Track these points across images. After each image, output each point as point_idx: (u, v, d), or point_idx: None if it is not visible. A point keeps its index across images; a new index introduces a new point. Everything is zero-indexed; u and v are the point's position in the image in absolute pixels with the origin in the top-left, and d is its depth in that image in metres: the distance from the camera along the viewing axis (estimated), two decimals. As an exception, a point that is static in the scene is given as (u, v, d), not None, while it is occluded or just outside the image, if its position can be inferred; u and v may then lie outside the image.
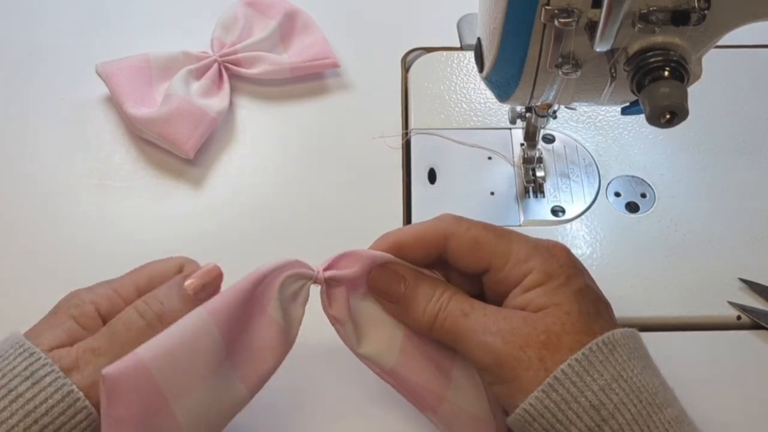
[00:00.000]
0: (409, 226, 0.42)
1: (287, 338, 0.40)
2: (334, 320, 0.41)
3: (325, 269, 0.41)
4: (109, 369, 0.34)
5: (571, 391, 0.35)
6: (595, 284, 0.41)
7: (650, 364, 0.38)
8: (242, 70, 0.61)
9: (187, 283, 0.40)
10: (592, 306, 0.38)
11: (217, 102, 0.59)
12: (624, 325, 0.48)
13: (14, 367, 0.35)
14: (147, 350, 0.35)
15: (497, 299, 0.40)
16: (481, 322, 0.38)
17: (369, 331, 0.42)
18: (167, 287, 0.40)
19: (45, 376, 0.35)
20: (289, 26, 0.64)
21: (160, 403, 0.35)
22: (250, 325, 0.39)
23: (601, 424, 0.35)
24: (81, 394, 0.35)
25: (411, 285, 0.40)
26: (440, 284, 0.41)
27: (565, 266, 0.39)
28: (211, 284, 0.41)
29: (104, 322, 0.39)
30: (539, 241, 0.41)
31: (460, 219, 0.41)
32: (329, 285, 0.41)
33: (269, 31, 0.62)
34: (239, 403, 0.39)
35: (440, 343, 0.41)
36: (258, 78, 0.61)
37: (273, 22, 0.63)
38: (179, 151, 0.56)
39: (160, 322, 0.38)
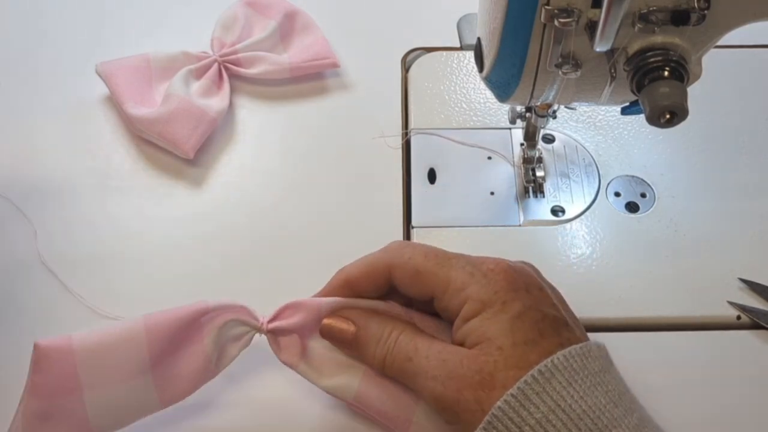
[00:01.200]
0: (358, 260, 0.43)
1: (212, 370, 0.42)
2: (287, 365, 0.43)
3: (270, 321, 0.42)
4: (42, 341, 0.38)
5: (509, 428, 0.35)
6: (548, 296, 0.39)
7: (600, 380, 0.36)
8: (242, 70, 0.61)
9: None
10: (531, 331, 0.37)
11: (217, 102, 0.59)
12: (624, 325, 0.48)
13: None
14: (80, 339, 0.39)
15: (451, 324, 0.40)
16: (422, 366, 0.38)
17: (327, 368, 0.42)
18: None
19: None
20: (288, 26, 0.64)
21: (73, 387, 0.39)
22: (183, 348, 0.41)
23: None
24: None
25: (360, 330, 0.41)
26: (389, 324, 0.41)
27: (501, 291, 0.38)
28: None
29: None
30: (479, 264, 0.40)
31: (403, 248, 0.41)
32: (277, 334, 0.43)
33: (269, 31, 0.62)
34: (149, 411, 0.41)
35: None
36: (258, 78, 0.61)
37: (273, 22, 0.63)
38: (179, 151, 0.56)
39: None
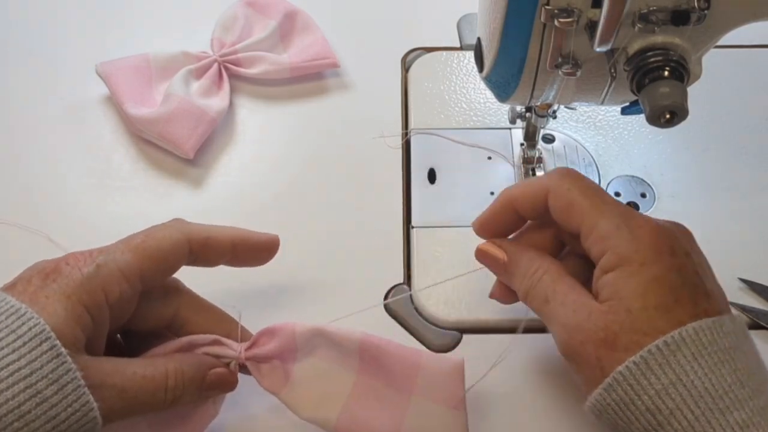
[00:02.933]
0: (517, 183, 0.44)
1: (210, 407, 0.42)
2: (270, 392, 0.42)
3: (247, 348, 0.42)
4: None
5: (628, 393, 0.35)
6: (692, 263, 0.38)
7: (730, 357, 0.35)
8: (242, 70, 0.61)
9: (206, 385, 0.40)
10: (665, 296, 0.36)
11: (217, 102, 0.59)
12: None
13: (41, 367, 0.33)
14: None
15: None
16: (556, 311, 0.39)
17: (308, 397, 0.42)
18: (194, 374, 0.40)
19: (69, 383, 0.34)
20: (288, 26, 0.64)
21: None
22: None
23: (657, 427, 0.35)
24: (97, 413, 0.35)
25: (511, 261, 0.43)
26: (536, 261, 0.41)
27: (642, 250, 0.37)
28: (225, 391, 0.42)
29: (109, 309, 0.37)
30: (630, 218, 0.38)
31: (565, 176, 0.41)
32: (258, 361, 0.42)
33: (269, 30, 0.62)
34: None
35: (393, 389, 0.41)
36: (258, 78, 0.61)
37: (273, 22, 0.62)
38: (179, 151, 0.56)
39: (170, 405, 0.38)
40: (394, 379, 0.41)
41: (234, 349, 0.42)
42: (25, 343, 0.33)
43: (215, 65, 0.60)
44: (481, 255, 0.44)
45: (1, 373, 0.32)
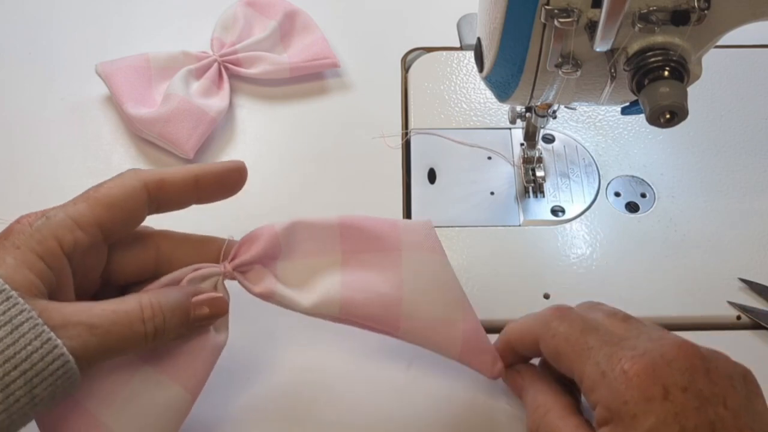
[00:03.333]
0: (521, 319, 0.42)
1: (215, 337, 0.41)
2: (264, 297, 0.41)
3: (231, 260, 0.41)
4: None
5: None
6: (692, 398, 0.33)
7: None
8: (242, 70, 0.61)
9: (194, 314, 0.39)
10: None
11: (217, 102, 0.59)
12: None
13: None
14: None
15: None
16: None
17: (303, 281, 0.42)
18: (174, 304, 0.38)
19: (24, 322, 0.32)
20: (288, 26, 0.64)
21: (92, 424, 0.37)
22: None
23: None
24: (64, 349, 0.33)
25: (525, 388, 0.42)
26: (540, 396, 0.40)
27: (631, 401, 0.33)
28: (217, 315, 0.40)
29: (67, 258, 0.36)
30: (617, 360, 0.35)
31: (552, 321, 0.39)
32: (243, 271, 0.42)
33: (269, 30, 0.62)
34: (179, 403, 0.39)
35: (382, 253, 0.43)
36: (258, 78, 0.61)
37: (273, 22, 0.63)
38: (179, 151, 0.56)
39: (154, 339, 0.37)
40: (380, 242, 0.43)
41: (215, 265, 0.41)
42: None
43: (215, 65, 0.60)
44: (508, 378, 0.43)
45: None
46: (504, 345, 0.43)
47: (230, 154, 0.58)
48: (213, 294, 0.40)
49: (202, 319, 0.40)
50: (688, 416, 0.33)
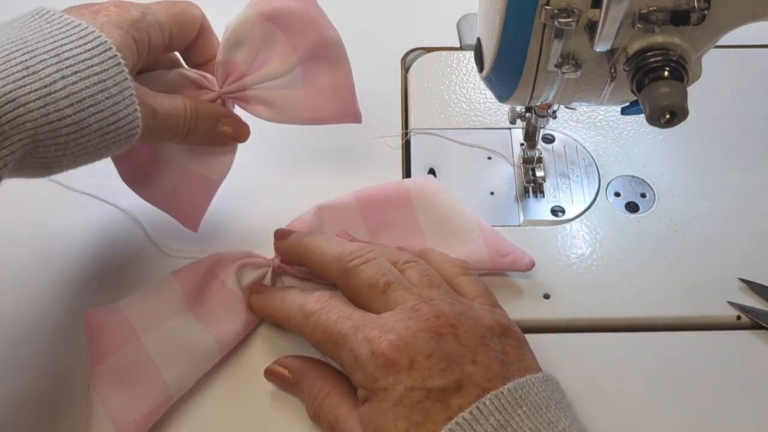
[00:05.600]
0: (281, 302, 0.45)
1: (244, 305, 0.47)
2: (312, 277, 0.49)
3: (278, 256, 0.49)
4: (89, 310, 0.43)
5: None
6: (439, 360, 0.36)
7: None
8: (249, 108, 0.51)
9: (220, 128, 0.48)
10: (414, 414, 0.35)
11: (219, 161, 0.51)
12: (624, 325, 0.48)
13: (108, 69, 0.39)
14: (123, 301, 0.45)
15: None
16: None
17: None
18: (208, 114, 0.47)
19: (125, 88, 0.40)
20: (315, 59, 0.51)
21: (130, 335, 0.43)
22: (210, 293, 0.47)
23: None
24: (139, 130, 0.41)
25: (295, 378, 0.43)
26: (318, 380, 0.41)
27: (381, 378, 0.36)
28: (237, 138, 0.50)
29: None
30: (368, 341, 0.38)
31: (309, 315, 0.41)
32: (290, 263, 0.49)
33: (288, 67, 0.50)
34: (207, 350, 0.44)
35: (397, 210, 0.51)
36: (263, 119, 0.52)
37: (294, 58, 0.49)
38: (183, 225, 0.52)
39: (185, 136, 0.46)
40: (392, 202, 0.51)
41: (267, 260, 0.50)
42: (93, 48, 0.38)
43: (217, 102, 0.49)
44: (270, 375, 0.44)
45: (79, 65, 0.37)
46: (269, 318, 0.46)
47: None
48: (237, 119, 0.49)
49: (225, 136, 0.48)
50: (434, 378, 0.36)
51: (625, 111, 0.44)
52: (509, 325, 0.40)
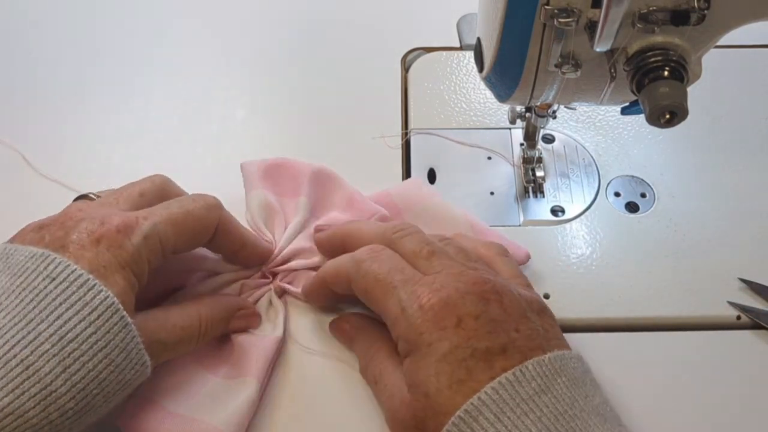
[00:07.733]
0: (337, 258, 0.44)
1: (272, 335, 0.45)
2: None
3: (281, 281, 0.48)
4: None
5: None
6: (484, 324, 0.37)
7: (533, 405, 0.35)
8: (292, 289, 0.48)
9: (232, 325, 0.45)
10: (457, 371, 0.36)
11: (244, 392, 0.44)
12: (624, 325, 0.48)
13: (114, 337, 0.36)
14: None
15: None
16: (379, 394, 0.41)
17: None
18: (221, 315, 0.44)
19: (133, 348, 0.37)
20: (319, 190, 0.52)
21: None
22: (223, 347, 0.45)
23: None
24: (149, 372, 0.38)
25: (355, 333, 0.45)
26: (369, 340, 0.43)
27: (426, 332, 0.37)
28: (249, 327, 0.46)
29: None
30: (416, 295, 0.38)
31: (362, 261, 0.41)
32: (290, 281, 0.48)
33: (302, 208, 0.50)
34: (249, 396, 0.42)
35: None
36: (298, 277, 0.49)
37: (303, 198, 0.50)
38: None
39: (198, 342, 0.43)
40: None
41: (267, 281, 0.48)
42: (99, 316, 0.36)
43: (269, 291, 0.48)
44: (334, 329, 0.46)
45: (83, 347, 0.35)
46: (320, 282, 0.45)
47: (229, 153, 0.58)
48: (251, 312, 0.46)
49: (237, 330, 0.45)
50: (480, 339, 0.36)
51: (625, 111, 0.44)
52: (546, 305, 0.41)
